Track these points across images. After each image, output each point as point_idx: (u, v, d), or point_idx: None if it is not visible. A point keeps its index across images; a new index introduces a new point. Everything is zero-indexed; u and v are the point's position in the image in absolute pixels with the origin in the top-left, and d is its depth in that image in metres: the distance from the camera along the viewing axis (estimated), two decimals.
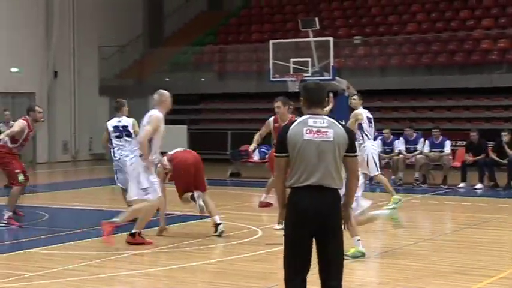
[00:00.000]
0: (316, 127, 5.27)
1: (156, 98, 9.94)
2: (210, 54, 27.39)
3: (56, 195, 15.61)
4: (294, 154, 5.26)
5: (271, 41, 20.77)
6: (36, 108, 11.77)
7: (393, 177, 17.42)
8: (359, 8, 27.44)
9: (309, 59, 19.57)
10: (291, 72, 19.58)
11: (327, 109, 14.31)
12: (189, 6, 30.49)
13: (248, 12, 29.46)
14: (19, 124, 11.42)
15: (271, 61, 20.05)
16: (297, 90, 19.62)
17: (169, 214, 12.36)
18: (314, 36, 19.86)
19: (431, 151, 17.21)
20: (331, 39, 19.97)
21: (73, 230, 11.06)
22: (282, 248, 9.23)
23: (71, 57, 26.40)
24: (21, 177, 11.37)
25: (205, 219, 11.94)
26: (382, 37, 25.20)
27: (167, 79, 27.09)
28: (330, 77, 19.52)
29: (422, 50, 24.24)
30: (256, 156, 19.47)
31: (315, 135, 5.24)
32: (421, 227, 12.20)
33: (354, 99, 13.89)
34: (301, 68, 19.53)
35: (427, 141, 17.45)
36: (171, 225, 11.32)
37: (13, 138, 11.30)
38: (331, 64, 19.42)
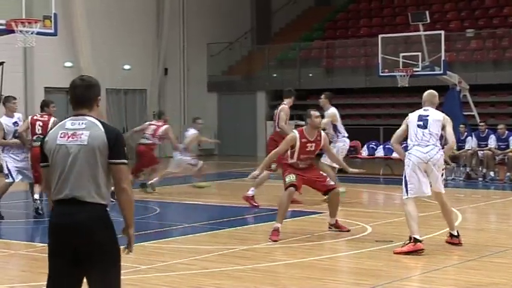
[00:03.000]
0: (72, 129, 4.53)
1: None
2: (318, 49, 27.29)
3: (166, 189, 15.90)
4: (50, 162, 4.55)
5: (380, 36, 20.49)
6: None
7: (508, 174, 16.82)
8: (472, 0, 26.65)
9: (419, 53, 19.20)
10: (401, 67, 19.26)
11: None
12: (296, 2, 30.46)
13: (356, 7, 29.16)
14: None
15: (380, 56, 19.79)
16: (407, 85, 19.29)
17: (275, 210, 12.39)
18: (424, 30, 19.46)
19: None
20: (442, 32, 19.51)
21: (183, 224, 11.22)
22: (393, 244, 9.12)
23: (180, 54, 26.89)
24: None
25: (314, 215, 11.89)
26: (496, 30, 24.38)
27: (275, 75, 27.18)
28: (441, 72, 19.09)
29: None
30: (364, 152, 19.27)
31: (69, 139, 4.50)
32: None
33: (321, 98, 13.73)
34: (411, 62, 19.19)
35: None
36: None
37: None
38: (443, 58, 18.98)
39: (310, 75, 26.65)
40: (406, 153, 9.02)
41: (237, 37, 28.27)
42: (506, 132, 17.13)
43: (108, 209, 4.57)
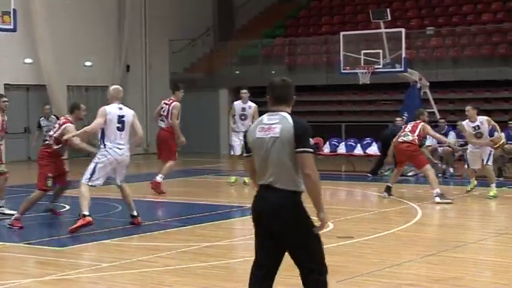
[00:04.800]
0: (268, 124, 5.13)
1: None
2: (280, 46, 27.34)
3: (129, 187, 15.79)
4: (252, 153, 5.22)
5: (341, 33, 20.59)
6: (81, 106, 11.27)
7: None
8: None
9: (380, 51, 19.33)
10: (362, 64, 19.38)
11: None
12: None
13: (318, 4, 29.28)
14: (70, 128, 10.69)
15: (341, 53, 19.89)
16: (368, 83, 19.44)
17: (241, 206, 12.43)
18: (385, 28, 19.59)
19: (507, 143, 16.72)
20: (403, 30, 19.66)
21: (145, 222, 11.17)
22: (354, 240, 9.21)
23: (142, 51, 26.75)
24: (49, 182, 10.72)
25: None
26: (456, 27, 24.70)
27: (237, 72, 27.18)
28: (402, 69, 19.26)
29: (498, 40, 23.63)
30: (326, 149, 19.38)
31: (266, 133, 5.11)
32: (496, 221, 11.92)
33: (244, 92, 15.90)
34: (372, 59, 19.32)
35: (502, 134, 16.97)
36: (243, 218, 11.35)
37: (57, 140, 10.75)
38: (403, 56, 19.13)
39: (273, 72, 26.67)
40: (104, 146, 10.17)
41: (199, 34, 28.20)
42: None
43: (301, 195, 5.09)
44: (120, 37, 25.67)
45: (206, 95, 26.57)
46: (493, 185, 13.74)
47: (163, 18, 26.80)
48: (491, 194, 13.60)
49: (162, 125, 14.62)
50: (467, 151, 14.21)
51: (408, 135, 13.53)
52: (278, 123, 5.09)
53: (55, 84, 23.23)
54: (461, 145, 17.19)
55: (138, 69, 26.63)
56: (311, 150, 5.09)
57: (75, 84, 24.29)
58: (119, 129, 10.21)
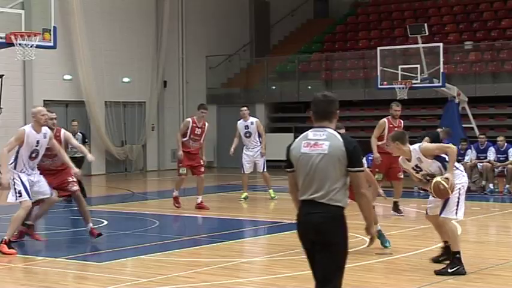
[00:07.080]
0: (314, 140, 5.13)
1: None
2: (317, 62, 27.33)
3: (165, 202, 15.88)
4: (296, 168, 5.21)
5: (378, 48, 20.50)
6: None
7: (507, 186, 16.80)
8: (470, 13, 26.73)
9: (418, 66, 19.19)
10: (400, 79, 19.26)
11: None
12: (295, 15, 30.54)
13: (354, 20, 29.24)
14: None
15: (379, 68, 19.79)
16: (406, 98, 19.30)
17: (279, 222, 12.40)
18: (423, 43, 19.48)
19: None
20: (441, 45, 19.52)
21: (183, 237, 11.20)
22: (393, 257, 9.09)
23: (179, 67, 26.92)
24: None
25: None
26: (495, 42, 24.45)
27: (273, 87, 27.20)
28: (440, 84, 19.10)
29: None
30: (365, 164, 19.26)
31: (311, 148, 5.11)
32: None
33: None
34: (410, 74, 19.19)
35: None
36: (280, 234, 11.31)
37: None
38: (441, 70, 18.98)
39: (309, 87, 26.67)
40: None
41: (236, 50, 28.32)
42: (506, 144, 17.13)
43: (344, 210, 5.18)
44: (157, 53, 25.89)
45: None
46: None
47: (200, 35, 26.97)
48: None
49: None
50: None
51: None
52: (325, 139, 5.09)
53: (93, 100, 23.50)
54: (500, 161, 16.97)
55: (175, 84, 26.80)
56: (363, 169, 5.20)
57: (113, 100, 24.52)
58: None
